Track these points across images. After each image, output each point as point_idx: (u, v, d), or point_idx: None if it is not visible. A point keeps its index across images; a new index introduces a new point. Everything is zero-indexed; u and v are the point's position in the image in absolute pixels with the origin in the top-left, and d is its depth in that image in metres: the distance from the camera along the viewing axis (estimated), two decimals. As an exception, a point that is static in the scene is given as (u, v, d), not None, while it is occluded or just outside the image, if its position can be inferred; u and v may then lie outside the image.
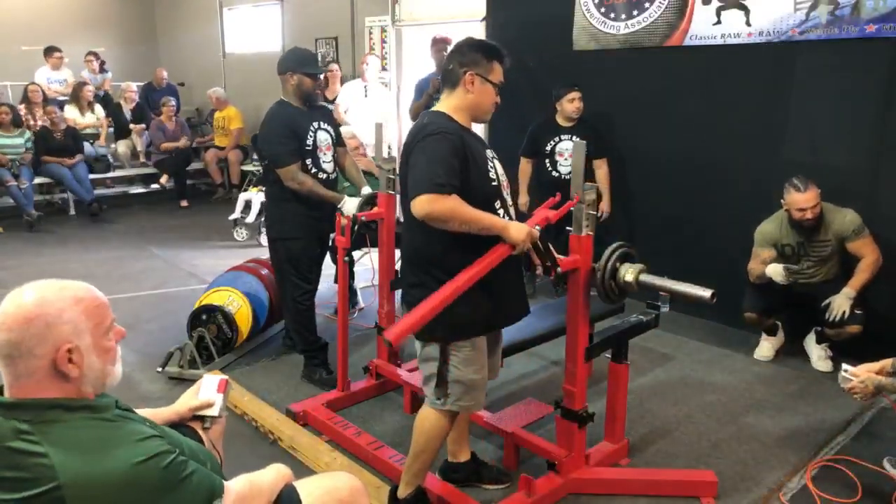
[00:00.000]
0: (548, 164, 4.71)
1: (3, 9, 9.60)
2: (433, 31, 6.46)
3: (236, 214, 6.59)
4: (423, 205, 2.05)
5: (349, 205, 3.39)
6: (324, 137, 3.47)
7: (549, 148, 4.67)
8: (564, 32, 4.88)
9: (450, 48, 2.39)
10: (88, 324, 1.36)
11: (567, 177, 4.39)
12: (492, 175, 2.27)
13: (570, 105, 4.56)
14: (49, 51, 8.49)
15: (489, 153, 2.33)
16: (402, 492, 2.40)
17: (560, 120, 4.65)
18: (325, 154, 3.48)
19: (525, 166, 4.80)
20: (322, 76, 3.54)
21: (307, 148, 3.39)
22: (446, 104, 2.28)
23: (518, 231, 2.14)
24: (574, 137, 4.47)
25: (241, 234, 6.62)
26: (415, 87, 5.88)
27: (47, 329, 1.31)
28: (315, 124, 3.44)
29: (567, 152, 4.62)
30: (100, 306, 1.40)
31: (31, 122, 7.58)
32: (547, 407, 2.98)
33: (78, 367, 1.34)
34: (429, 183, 2.05)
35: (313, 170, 3.42)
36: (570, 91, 4.55)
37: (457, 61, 2.26)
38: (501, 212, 2.27)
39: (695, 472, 2.74)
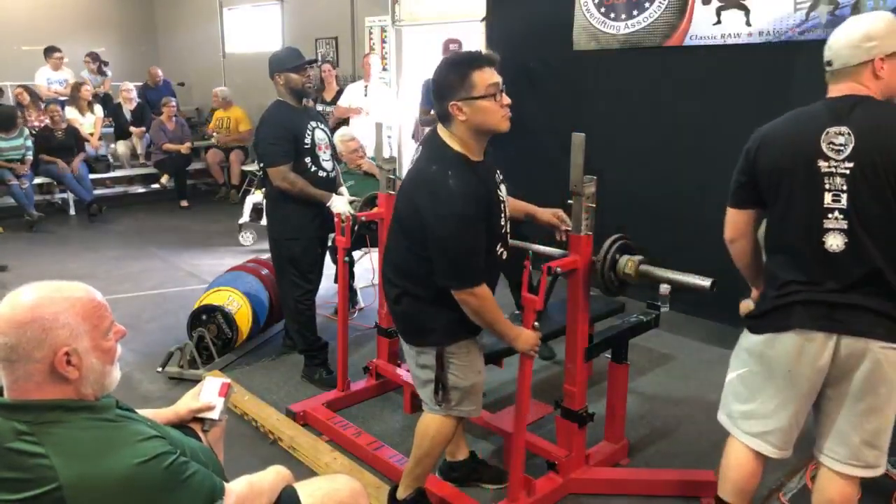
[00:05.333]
0: None
1: (3, 9, 9.61)
2: (433, 31, 6.47)
3: (244, 219, 6.36)
4: (459, 295, 2.09)
5: (337, 202, 3.40)
6: (321, 136, 3.50)
7: None
8: (564, 32, 4.87)
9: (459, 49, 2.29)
10: (86, 326, 1.35)
11: None
12: (502, 221, 2.20)
13: None
14: (49, 51, 8.48)
15: (499, 177, 2.25)
16: (402, 493, 2.40)
17: None
18: (324, 152, 3.50)
19: None
20: (309, 67, 3.53)
21: (306, 146, 3.40)
22: (450, 140, 2.12)
23: (525, 341, 2.24)
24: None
25: (246, 238, 6.41)
26: (422, 87, 5.82)
27: (44, 333, 1.30)
28: (312, 123, 3.46)
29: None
30: (97, 307, 1.39)
31: (29, 124, 7.58)
32: (547, 407, 2.98)
33: (77, 369, 1.34)
34: (462, 278, 2.07)
35: (313, 168, 3.43)
36: None
37: (436, 99, 2.10)
38: (501, 250, 2.23)
39: (695, 472, 2.73)
